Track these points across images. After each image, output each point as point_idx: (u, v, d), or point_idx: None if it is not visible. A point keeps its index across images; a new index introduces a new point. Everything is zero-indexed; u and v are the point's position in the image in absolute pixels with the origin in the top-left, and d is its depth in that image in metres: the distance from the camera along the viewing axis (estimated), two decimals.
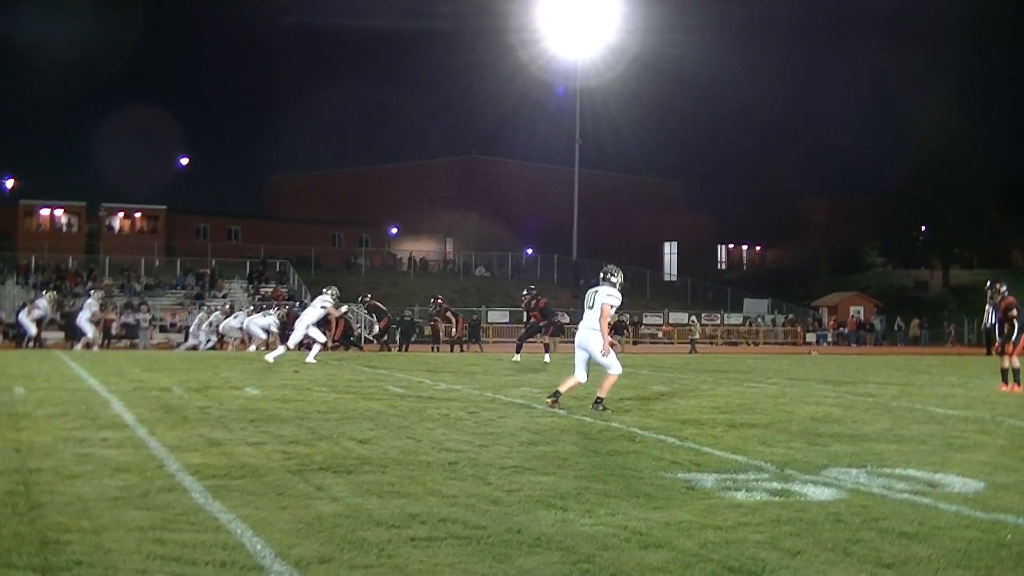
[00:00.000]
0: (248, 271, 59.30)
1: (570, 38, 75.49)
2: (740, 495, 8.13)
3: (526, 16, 75.73)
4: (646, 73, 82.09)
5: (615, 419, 13.45)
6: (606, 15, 74.10)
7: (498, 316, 59.33)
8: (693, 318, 55.89)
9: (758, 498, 8.04)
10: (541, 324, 31.90)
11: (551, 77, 78.98)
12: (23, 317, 36.80)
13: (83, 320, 36.23)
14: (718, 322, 66.17)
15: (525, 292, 33.05)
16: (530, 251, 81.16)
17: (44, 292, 41.03)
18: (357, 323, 45.02)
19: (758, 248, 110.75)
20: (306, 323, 26.56)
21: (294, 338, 27.29)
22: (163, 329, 45.45)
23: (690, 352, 46.52)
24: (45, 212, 77.23)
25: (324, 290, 27.58)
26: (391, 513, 7.26)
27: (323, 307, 26.85)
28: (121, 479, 8.30)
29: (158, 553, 6.09)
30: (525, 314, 33.10)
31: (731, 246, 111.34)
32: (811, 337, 65.61)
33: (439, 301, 45.21)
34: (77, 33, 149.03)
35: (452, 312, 44.37)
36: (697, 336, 51.84)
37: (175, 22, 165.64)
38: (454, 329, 43.94)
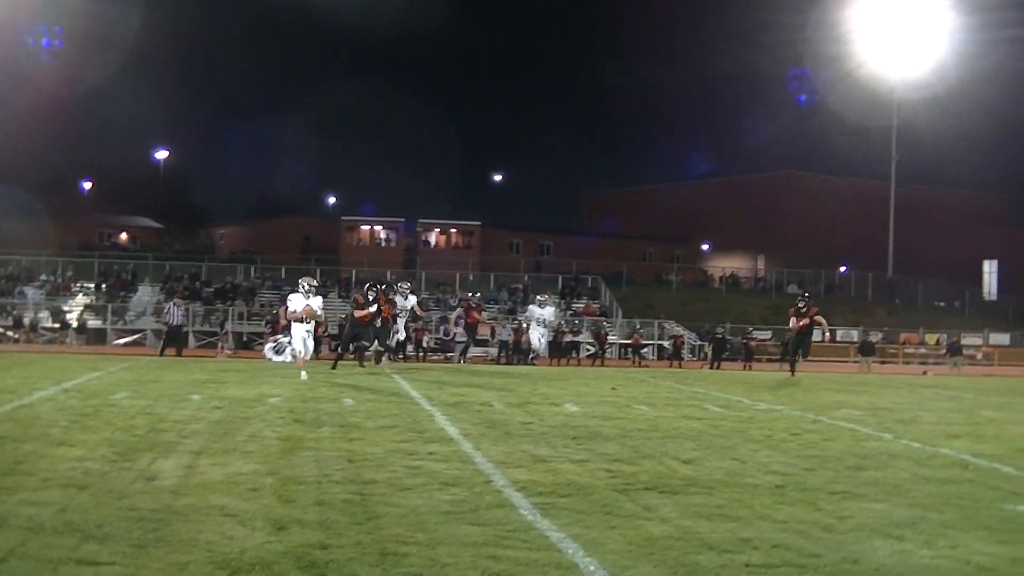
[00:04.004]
0: (560, 286, 59.92)
1: (891, 50, 73.74)
2: None
3: (847, 26, 74.17)
4: (969, 86, 78.87)
5: (945, 445, 12.91)
6: (929, 27, 71.98)
7: None
8: None
9: None
10: None
11: (867, 89, 76.86)
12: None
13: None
14: None
15: None
16: (844, 268, 79.22)
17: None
18: None
19: None
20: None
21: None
22: (478, 343, 46.33)
23: None
24: (365, 228, 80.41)
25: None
26: (722, 537, 7.15)
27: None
28: (451, 493, 8.44)
29: (493, 570, 6.16)
30: None
31: None
32: None
33: None
34: (388, 61, 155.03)
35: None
36: None
37: (484, 45, 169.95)
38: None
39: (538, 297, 37.46)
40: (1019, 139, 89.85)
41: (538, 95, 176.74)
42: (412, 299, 30.81)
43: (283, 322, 25.24)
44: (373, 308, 26.40)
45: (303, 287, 22.55)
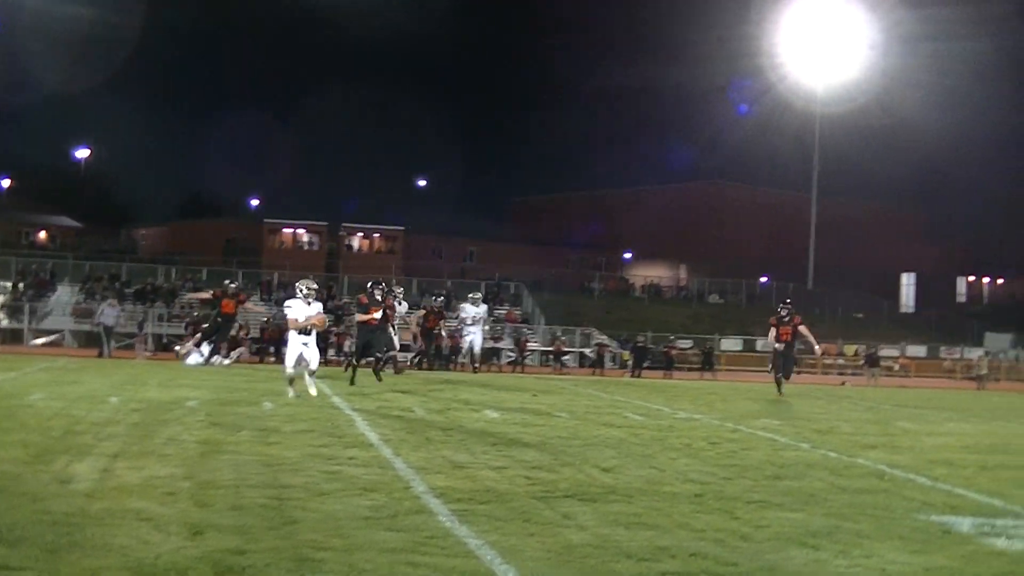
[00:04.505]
0: (483, 292, 59.64)
1: (815, 63, 74.74)
2: (1001, 542, 7.82)
3: (775, 39, 74.99)
4: (889, 100, 79.94)
5: (861, 455, 13.06)
6: (853, 42, 73.10)
7: (731, 344, 58.42)
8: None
9: (1021, 547, 7.72)
10: None
11: (792, 102, 77.78)
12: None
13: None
14: (958, 357, 63.74)
15: None
16: (765, 279, 79.92)
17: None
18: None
19: (1000, 280, 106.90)
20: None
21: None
22: (404, 348, 45.94)
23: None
24: (288, 231, 79.98)
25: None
26: (640, 545, 7.16)
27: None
28: (370, 499, 8.40)
29: None
30: None
31: (971, 278, 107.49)
32: None
33: None
34: (314, 63, 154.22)
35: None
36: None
37: (411, 50, 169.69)
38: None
39: (471, 295, 36.56)
40: (938, 154, 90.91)
41: (467, 99, 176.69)
42: (404, 305, 30.39)
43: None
44: (379, 314, 23.65)
45: (302, 291, 19.48)
